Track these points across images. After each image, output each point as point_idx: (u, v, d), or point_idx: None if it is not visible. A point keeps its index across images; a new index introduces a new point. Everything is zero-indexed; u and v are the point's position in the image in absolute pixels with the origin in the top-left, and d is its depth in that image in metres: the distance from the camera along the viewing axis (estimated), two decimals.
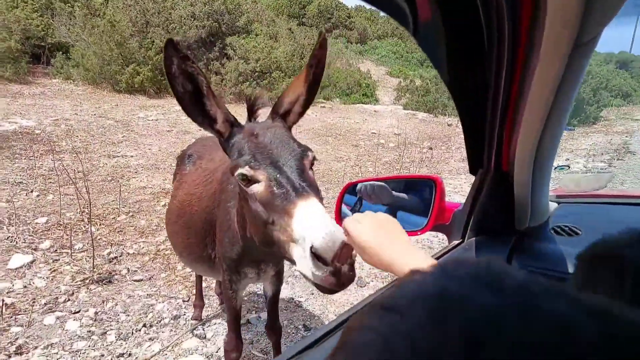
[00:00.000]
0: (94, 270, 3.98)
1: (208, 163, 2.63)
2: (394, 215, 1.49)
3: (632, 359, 0.29)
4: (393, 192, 1.51)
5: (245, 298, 3.80)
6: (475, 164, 1.32)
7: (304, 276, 1.21)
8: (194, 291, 3.61)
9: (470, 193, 1.38)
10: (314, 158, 1.46)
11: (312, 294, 3.96)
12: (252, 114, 1.63)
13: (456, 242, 1.42)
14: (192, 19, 14.29)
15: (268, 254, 1.97)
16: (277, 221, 1.29)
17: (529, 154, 1.14)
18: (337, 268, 1.12)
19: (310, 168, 1.44)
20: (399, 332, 0.34)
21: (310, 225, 1.17)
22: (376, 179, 1.51)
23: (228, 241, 2.00)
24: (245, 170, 1.37)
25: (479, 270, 0.38)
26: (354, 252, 1.14)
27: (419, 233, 1.40)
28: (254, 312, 3.70)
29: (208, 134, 1.53)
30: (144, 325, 3.38)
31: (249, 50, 14.28)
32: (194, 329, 3.39)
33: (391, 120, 14.42)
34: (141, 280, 4.01)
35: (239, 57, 14.10)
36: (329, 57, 17.80)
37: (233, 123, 1.53)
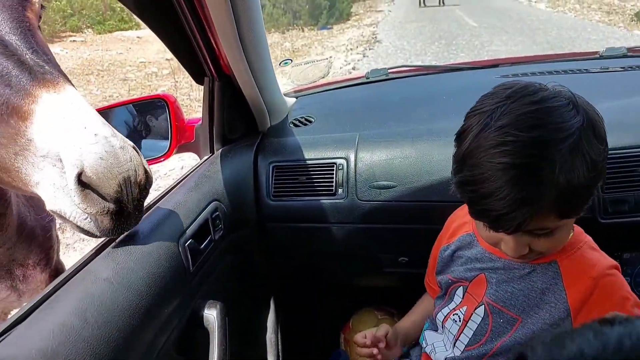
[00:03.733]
0: None
1: None
2: (139, 145, 1.37)
3: None
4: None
5: None
6: (197, 74, 1.26)
7: (61, 217, 0.76)
8: None
9: (204, 104, 1.33)
10: (42, 6, 0.84)
11: None
12: None
13: (206, 157, 1.40)
14: None
15: (15, 241, 1.23)
16: None
17: (238, 55, 1.14)
18: (122, 204, 0.72)
19: (39, 26, 0.83)
20: None
21: (70, 132, 0.67)
22: (101, 109, 1.32)
23: None
24: None
25: None
26: (147, 177, 0.76)
27: (162, 159, 1.32)
28: None
29: None
30: None
31: None
32: None
33: (159, 44, 13.20)
34: None
35: None
36: None
37: None
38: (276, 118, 1.53)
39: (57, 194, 0.72)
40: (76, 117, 0.68)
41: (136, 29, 15.50)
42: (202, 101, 1.35)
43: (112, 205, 0.71)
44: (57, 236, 1.49)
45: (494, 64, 1.80)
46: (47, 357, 0.65)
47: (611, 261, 0.83)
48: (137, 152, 0.74)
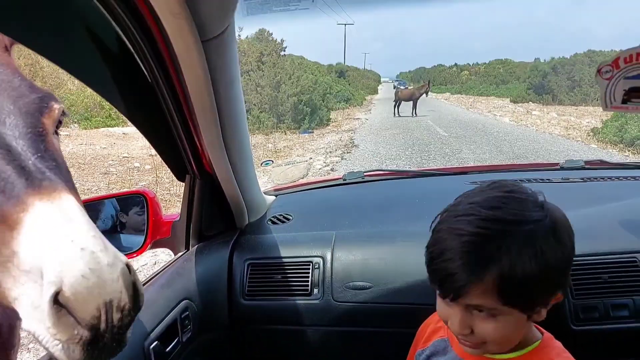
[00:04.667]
0: None
1: None
2: (112, 239, 1.34)
3: None
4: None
5: None
6: (180, 171, 1.30)
7: (36, 339, 0.65)
8: None
9: (183, 201, 1.35)
10: (63, 113, 0.80)
11: None
12: None
13: (181, 253, 1.38)
14: None
15: None
16: None
17: (221, 155, 1.19)
18: (97, 332, 0.62)
19: (56, 132, 0.80)
20: None
21: (54, 245, 0.60)
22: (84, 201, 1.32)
23: None
24: None
25: None
26: (135, 301, 0.66)
27: (135, 255, 1.29)
28: None
29: None
30: None
31: None
32: None
33: (144, 141, 13.57)
34: None
35: None
36: (57, 77, 15.52)
37: None
38: (255, 215, 1.55)
39: (34, 314, 0.63)
40: (64, 229, 0.61)
41: (123, 126, 16.02)
42: (182, 196, 1.37)
43: (85, 333, 0.61)
44: (19, 337, 1.38)
45: (463, 171, 1.92)
46: None
47: None
48: (130, 271, 0.66)
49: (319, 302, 1.26)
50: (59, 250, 0.59)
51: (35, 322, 0.63)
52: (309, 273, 1.29)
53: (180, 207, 1.39)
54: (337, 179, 1.92)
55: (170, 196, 7.58)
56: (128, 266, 0.65)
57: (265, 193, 1.69)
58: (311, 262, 1.30)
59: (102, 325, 0.61)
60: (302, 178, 1.64)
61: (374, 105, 28.80)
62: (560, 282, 0.76)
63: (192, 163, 1.24)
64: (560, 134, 13.78)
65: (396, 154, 10.73)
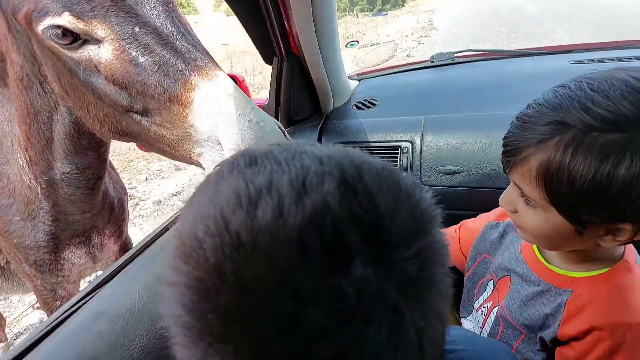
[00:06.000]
0: None
1: None
2: None
3: None
4: None
5: None
6: (268, 53, 1.29)
7: None
8: None
9: (271, 85, 1.36)
10: None
11: None
12: None
13: None
14: None
15: (98, 209, 1.28)
16: (154, 110, 0.80)
17: (310, 36, 1.15)
18: None
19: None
20: None
21: (227, 118, 0.73)
22: None
23: (19, 218, 1.21)
24: (62, 19, 0.75)
25: None
26: None
27: None
28: None
29: None
30: None
31: None
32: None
33: (214, 31, 13.53)
34: None
35: None
36: None
37: None
38: (340, 100, 1.53)
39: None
40: (231, 105, 0.73)
41: (194, 14, 15.96)
42: (258, 87, 1.37)
43: None
44: (127, 210, 1.56)
45: (566, 50, 1.70)
46: (134, 314, 0.71)
47: None
48: (283, 132, 0.79)
49: None
50: (232, 122, 0.72)
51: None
52: (397, 157, 1.29)
53: (259, 95, 1.40)
54: (424, 61, 1.81)
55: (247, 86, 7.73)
56: (280, 128, 0.77)
57: (348, 77, 1.65)
58: (399, 146, 1.29)
59: None
60: (388, 60, 1.54)
61: None
62: (622, 209, 0.59)
63: (280, 44, 1.22)
64: None
65: (480, 37, 9.75)
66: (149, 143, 0.88)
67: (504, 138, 0.70)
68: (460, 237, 1.04)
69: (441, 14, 14.08)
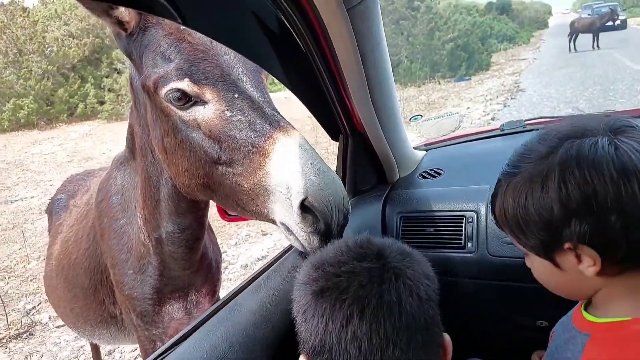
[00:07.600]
0: (10, 326, 3.67)
1: (83, 196, 1.96)
2: None
3: None
4: None
5: None
6: (334, 132, 1.40)
7: (287, 230, 0.94)
8: None
9: (338, 159, 1.45)
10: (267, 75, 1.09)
11: None
12: None
13: None
14: (71, 38, 13.29)
15: (197, 268, 1.44)
16: (237, 160, 0.94)
17: (370, 114, 1.24)
18: (330, 226, 0.88)
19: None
20: None
21: (297, 168, 0.86)
22: None
23: (132, 272, 1.38)
24: (183, 84, 0.95)
25: None
26: (349, 207, 0.92)
27: None
28: None
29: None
30: None
31: None
32: None
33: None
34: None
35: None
36: None
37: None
38: (405, 170, 1.58)
39: (286, 214, 0.91)
40: (304, 155, 0.88)
41: (284, 91, 17.32)
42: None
43: (322, 226, 0.87)
44: (221, 272, 1.69)
45: None
46: None
47: None
48: (343, 185, 0.92)
49: (473, 255, 1.25)
50: (303, 171, 0.86)
51: (288, 219, 0.91)
52: (462, 227, 1.28)
53: (335, 165, 1.50)
54: (493, 129, 1.80)
55: (328, 154, 8.04)
56: (344, 195, 0.90)
57: (416, 148, 1.70)
58: (464, 216, 1.29)
59: (333, 221, 0.87)
60: (454, 131, 1.57)
61: (543, 42, 25.08)
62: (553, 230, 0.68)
63: (344, 123, 1.32)
64: None
65: (572, 97, 9.29)
66: (226, 195, 1.02)
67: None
68: None
69: (528, 75, 13.73)
